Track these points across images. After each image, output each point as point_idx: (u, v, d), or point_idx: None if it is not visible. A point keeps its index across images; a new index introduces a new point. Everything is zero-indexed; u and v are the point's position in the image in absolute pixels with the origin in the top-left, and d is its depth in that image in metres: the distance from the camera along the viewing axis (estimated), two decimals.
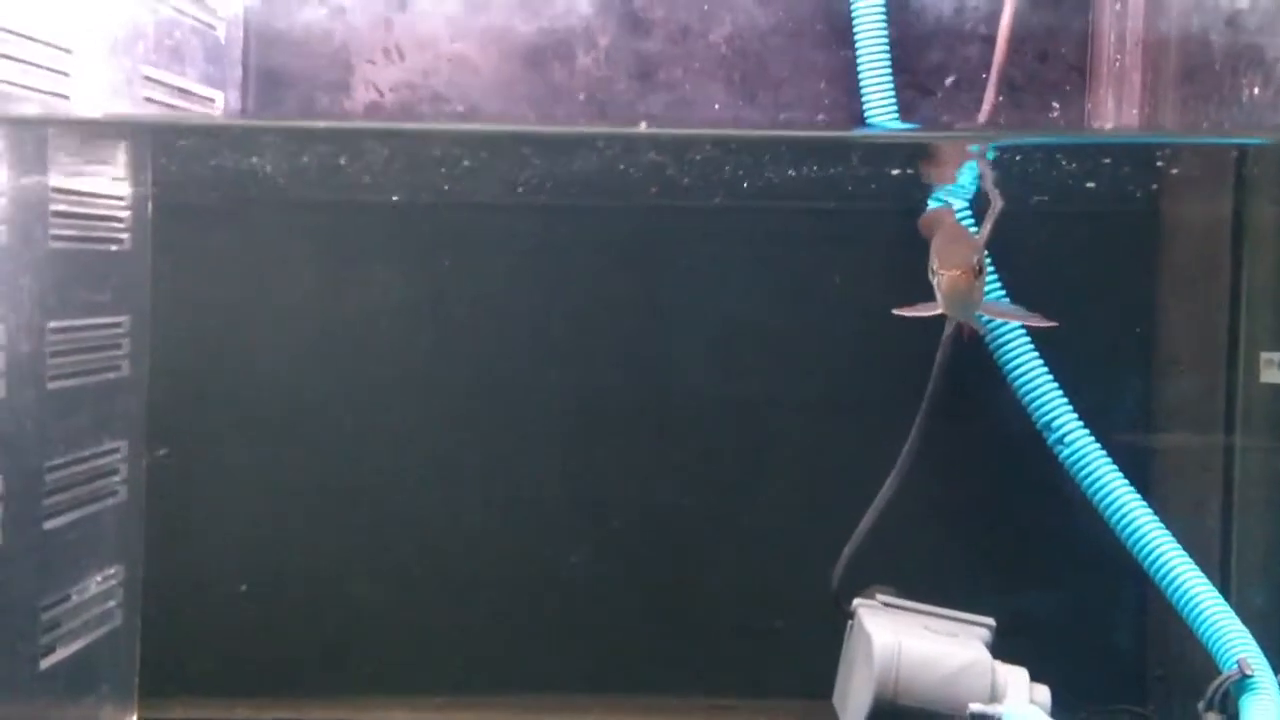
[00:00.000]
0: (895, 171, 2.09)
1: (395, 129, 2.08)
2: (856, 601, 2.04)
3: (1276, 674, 1.86)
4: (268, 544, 2.22)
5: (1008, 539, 2.19)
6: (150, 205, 2.08)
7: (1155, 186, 2.14)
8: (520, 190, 2.24)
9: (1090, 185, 2.06)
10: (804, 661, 2.09)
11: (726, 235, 2.23)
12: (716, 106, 2.20)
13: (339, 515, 2.23)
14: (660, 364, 2.25)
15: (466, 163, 2.08)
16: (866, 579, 2.09)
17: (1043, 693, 1.87)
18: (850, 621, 2.03)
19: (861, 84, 2.12)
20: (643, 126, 2.11)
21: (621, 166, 2.06)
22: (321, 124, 2.10)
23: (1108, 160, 1.98)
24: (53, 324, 1.80)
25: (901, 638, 1.89)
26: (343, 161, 2.08)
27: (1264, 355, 2.02)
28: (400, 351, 2.24)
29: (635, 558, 2.25)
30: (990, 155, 1.97)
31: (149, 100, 1.95)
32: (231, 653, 2.21)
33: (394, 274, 2.23)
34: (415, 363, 2.24)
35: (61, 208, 1.82)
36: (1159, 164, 2.03)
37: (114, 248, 2.01)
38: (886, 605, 2.02)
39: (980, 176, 2.02)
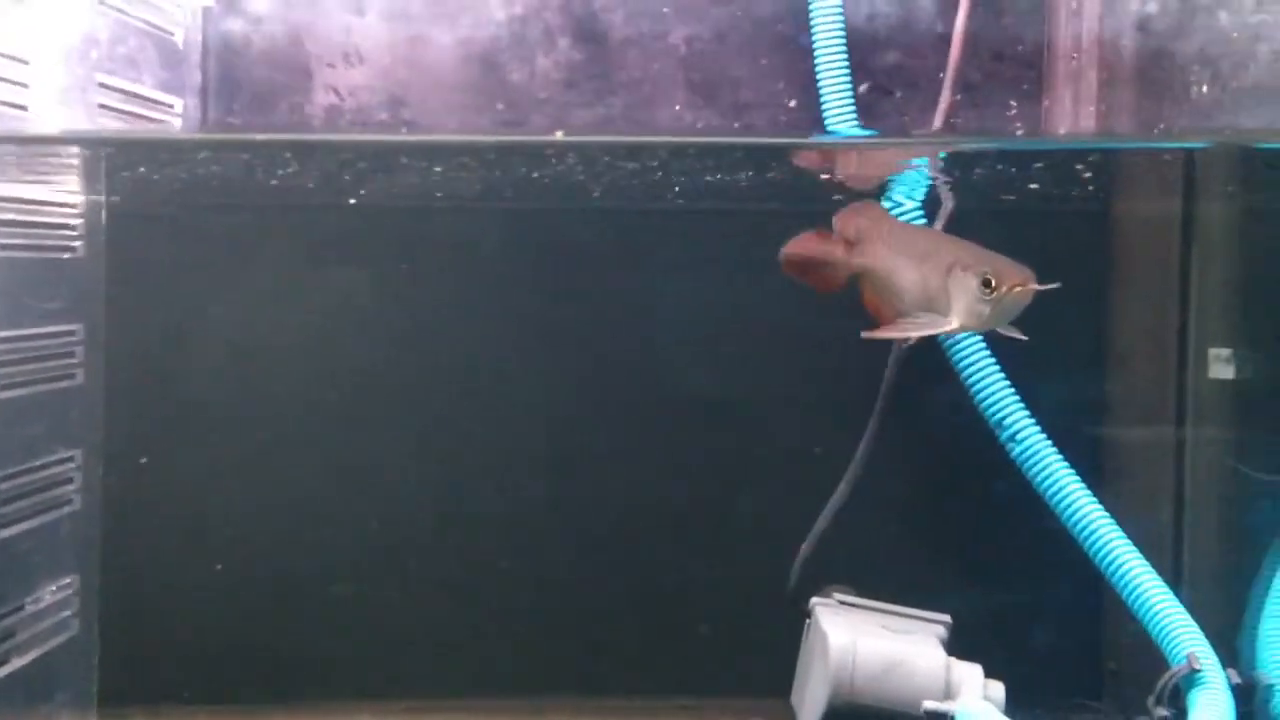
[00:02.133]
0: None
1: (352, 140, 2.08)
2: (814, 601, 2.05)
3: (1225, 668, 1.87)
4: (228, 550, 2.22)
5: (962, 537, 2.20)
6: (104, 212, 2.08)
7: (1106, 186, 2.14)
8: (482, 194, 2.25)
9: (1042, 185, 2.07)
10: (765, 661, 2.10)
11: (701, 236, 2.23)
12: (676, 108, 2.20)
13: (301, 521, 2.22)
14: (632, 367, 2.24)
15: (438, 168, 2.08)
16: (825, 578, 2.10)
17: (997, 689, 1.88)
18: (808, 621, 2.04)
19: (820, 87, 2.12)
20: (559, 135, 2.12)
21: (586, 169, 2.07)
22: (278, 137, 2.09)
23: (1059, 161, 1.98)
24: (3, 333, 1.79)
25: (857, 636, 1.90)
26: (299, 167, 2.08)
27: (1212, 351, 2.04)
28: (362, 355, 2.24)
29: (601, 560, 2.25)
30: (941, 156, 1.98)
31: (104, 108, 1.94)
32: (192, 660, 2.20)
33: (354, 277, 2.23)
34: (377, 366, 2.23)
35: (11, 216, 1.81)
36: (1109, 165, 2.04)
37: (66, 255, 2.00)
38: (843, 604, 2.03)
39: (932, 177, 2.03)
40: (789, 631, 2.07)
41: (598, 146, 1.93)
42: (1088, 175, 2.04)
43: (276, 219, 2.22)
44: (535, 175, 2.11)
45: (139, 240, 2.16)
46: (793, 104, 2.19)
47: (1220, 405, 2.06)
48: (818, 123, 2.13)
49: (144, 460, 2.18)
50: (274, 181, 2.12)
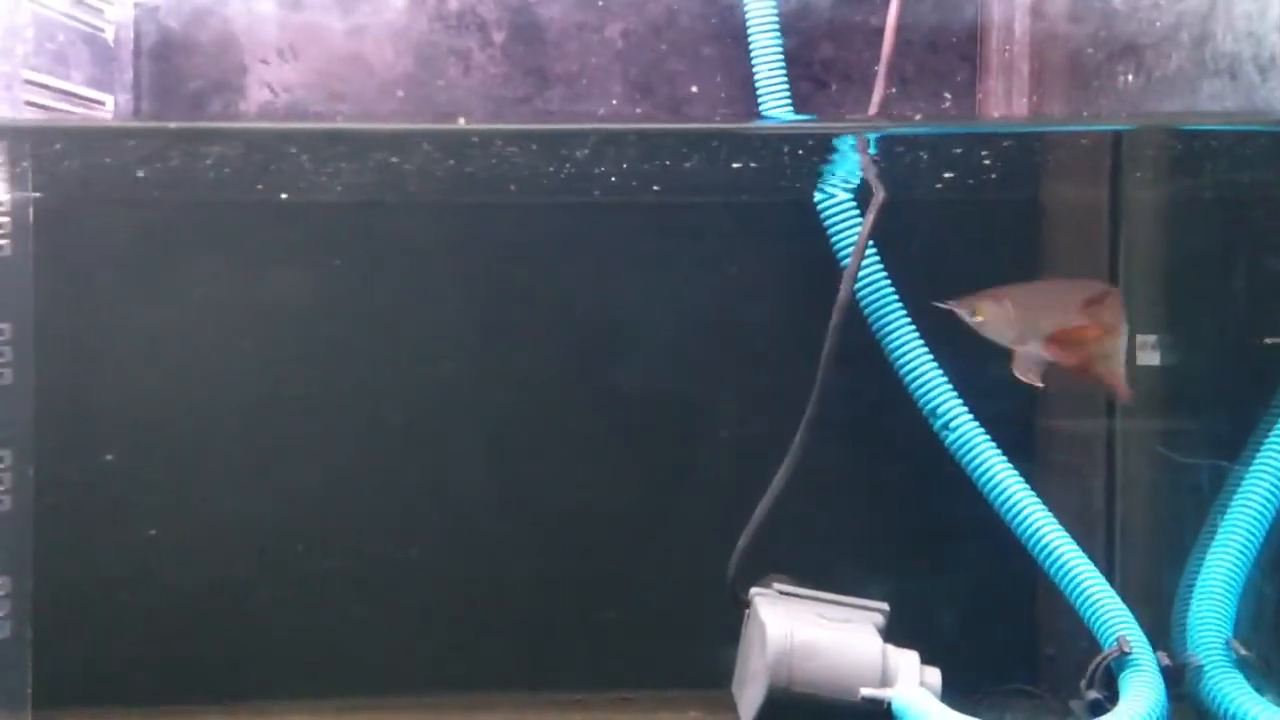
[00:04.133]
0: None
1: (281, 130, 2.06)
2: (753, 591, 2.06)
3: (1155, 651, 1.90)
4: (162, 551, 2.20)
5: (899, 525, 2.22)
6: (31, 210, 2.06)
7: (1036, 174, 2.16)
8: (421, 188, 2.24)
9: (973, 174, 2.09)
10: (705, 652, 2.10)
11: (648, 231, 2.23)
12: (614, 102, 2.20)
13: (235, 520, 2.21)
14: (570, 361, 2.24)
15: (371, 162, 2.08)
16: (763, 568, 2.10)
17: (933, 675, 1.90)
18: (747, 611, 2.04)
19: (755, 78, 2.13)
20: (461, 122, 2.12)
21: (515, 163, 2.07)
22: (204, 125, 2.07)
23: (989, 149, 2.00)
24: None
25: (794, 626, 1.91)
26: (230, 162, 2.07)
27: (1139, 338, 2.06)
28: (296, 353, 2.22)
29: (537, 554, 2.24)
30: (872, 148, 1.99)
31: (31, 104, 1.92)
32: (127, 662, 2.18)
33: (288, 274, 2.21)
34: (311, 365, 2.22)
35: None
36: (1039, 152, 2.06)
37: None
38: (782, 594, 2.04)
39: (863, 168, 2.04)
40: (728, 622, 2.07)
41: (505, 135, 1.93)
42: (1017, 163, 2.06)
43: (208, 215, 2.21)
44: (469, 170, 2.10)
45: (68, 238, 2.13)
46: (730, 97, 2.19)
47: (1149, 391, 2.09)
48: (756, 116, 2.14)
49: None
50: (206, 174, 2.10)
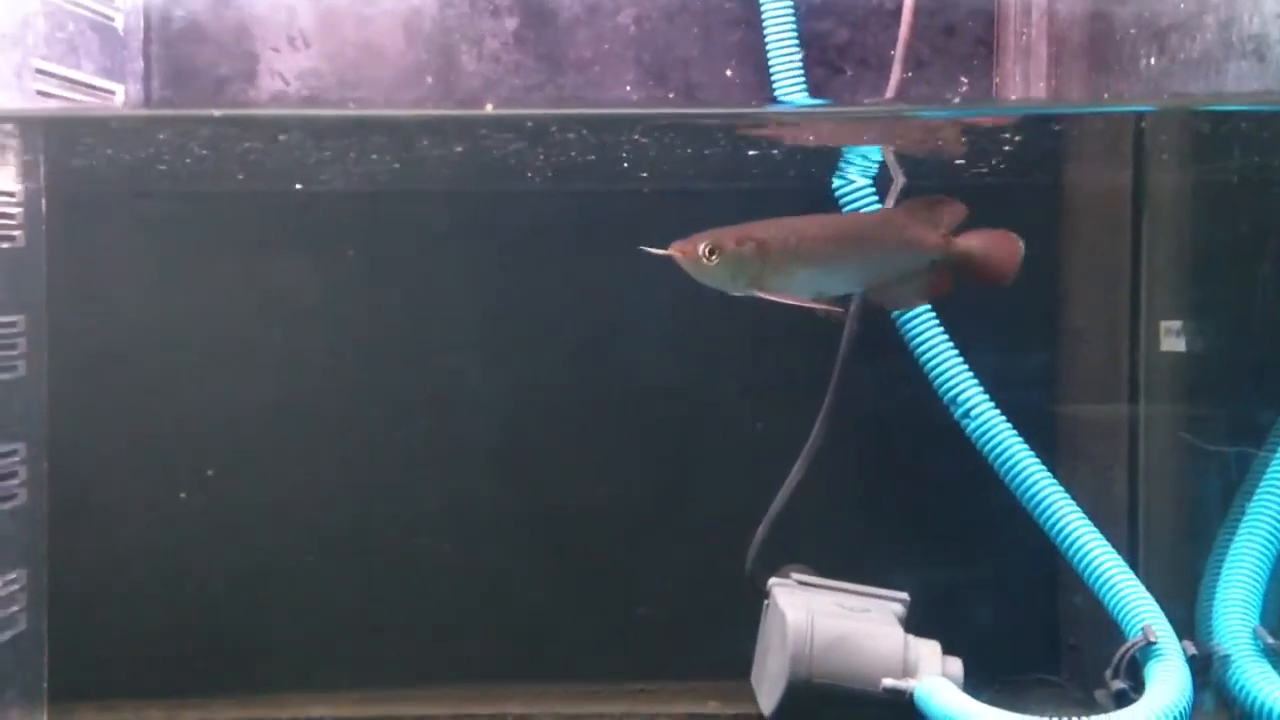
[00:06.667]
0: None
1: (292, 116, 2.05)
2: (772, 581, 2.05)
3: (1181, 640, 1.88)
4: (177, 544, 2.20)
5: (919, 514, 2.20)
6: (44, 201, 2.05)
7: (1057, 158, 2.15)
8: (434, 176, 2.23)
9: (992, 158, 2.07)
10: (724, 643, 2.09)
11: (657, 219, 2.22)
12: (627, 88, 2.19)
13: (251, 513, 2.20)
14: (580, 352, 2.23)
15: (386, 153, 2.07)
16: (782, 559, 2.09)
17: (955, 665, 1.89)
18: (766, 601, 2.03)
19: (770, 62, 2.11)
20: (489, 109, 2.10)
21: (531, 150, 2.06)
22: (212, 112, 2.06)
23: (1009, 133, 1.98)
24: None
25: (814, 616, 1.90)
26: (242, 150, 2.06)
27: (1163, 324, 2.05)
28: (309, 343, 2.22)
29: (555, 545, 2.24)
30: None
31: (41, 94, 1.91)
32: (144, 655, 2.18)
33: (299, 264, 2.21)
34: (324, 354, 2.21)
35: None
36: (1060, 136, 2.05)
37: (5, 245, 1.97)
38: (801, 584, 2.03)
39: (881, 153, 2.03)
40: (747, 613, 2.06)
41: (532, 120, 1.92)
42: (1038, 147, 2.04)
43: (221, 205, 2.20)
44: (482, 156, 2.09)
45: (81, 228, 2.12)
46: (744, 84, 2.18)
47: (1172, 378, 2.07)
48: (771, 102, 2.12)
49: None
50: (219, 163, 2.09)
